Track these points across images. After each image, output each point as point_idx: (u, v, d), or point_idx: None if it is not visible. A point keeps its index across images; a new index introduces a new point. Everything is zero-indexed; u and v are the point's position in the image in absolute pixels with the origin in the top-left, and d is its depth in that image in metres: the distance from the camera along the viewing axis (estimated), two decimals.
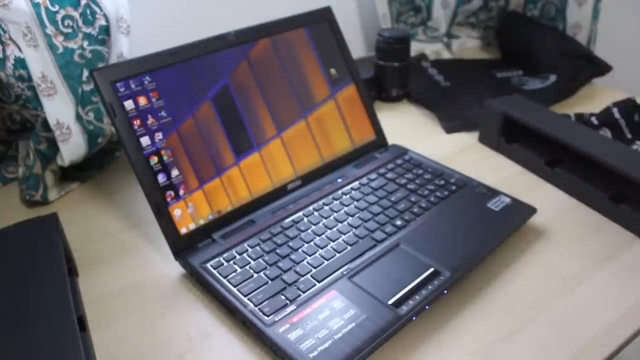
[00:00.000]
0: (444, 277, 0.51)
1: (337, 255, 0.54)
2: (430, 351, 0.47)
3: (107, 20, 0.65)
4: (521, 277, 0.54)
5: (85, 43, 0.64)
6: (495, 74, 1.01)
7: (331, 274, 0.52)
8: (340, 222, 0.59)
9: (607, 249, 0.58)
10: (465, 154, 0.77)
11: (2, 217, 0.65)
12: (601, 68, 0.94)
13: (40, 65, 0.61)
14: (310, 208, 0.61)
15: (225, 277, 0.52)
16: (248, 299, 0.49)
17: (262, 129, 0.63)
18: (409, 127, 0.85)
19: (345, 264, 0.53)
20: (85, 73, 0.65)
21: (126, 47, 0.69)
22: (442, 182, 0.65)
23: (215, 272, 0.52)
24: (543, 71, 0.97)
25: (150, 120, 0.56)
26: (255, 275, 0.52)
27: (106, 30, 0.66)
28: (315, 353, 0.44)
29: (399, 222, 0.59)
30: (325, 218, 0.59)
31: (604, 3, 0.96)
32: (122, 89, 0.54)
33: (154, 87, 0.56)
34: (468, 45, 1.16)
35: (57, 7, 0.61)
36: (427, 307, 0.49)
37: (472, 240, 0.56)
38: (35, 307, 0.44)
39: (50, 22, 0.60)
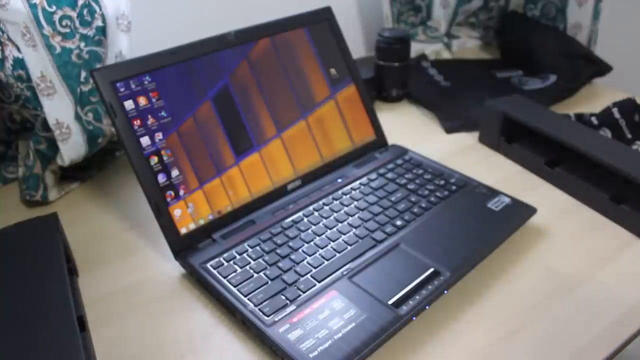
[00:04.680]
0: (444, 277, 0.51)
1: (337, 255, 0.54)
2: (431, 351, 0.47)
3: (104, 20, 0.65)
4: (521, 277, 0.54)
5: (82, 44, 0.64)
6: (495, 74, 1.01)
7: (331, 274, 0.52)
8: (341, 222, 0.59)
9: (607, 249, 0.58)
10: (465, 154, 0.77)
11: (2, 217, 0.65)
12: (601, 68, 0.94)
13: (39, 65, 0.61)
14: (310, 208, 0.61)
15: (225, 277, 0.52)
16: (248, 299, 0.49)
17: (262, 129, 0.63)
18: (409, 127, 0.85)
19: (346, 264, 0.53)
20: (84, 73, 0.65)
21: (126, 45, 0.69)
22: (442, 182, 0.65)
23: (215, 272, 0.52)
24: (543, 71, 0.97)
25: (150, 120, 0.56)
26: (255, 275, 0.52)
27: (102, 31, 0.66)
28: (316, 353, 0.44)
29: (399, 222, 0.59)
30: (325, 218, 0.59)
31: (605, 3, 0.96)
32: (122, 89, 0.54)
33: (154, 87, 0.56)
34: (468, 45, 1.16)
35: (54, 8, 0.61)
36: (427, 307, 0.49)
37: (472, 240, 0.56)
38: (36, 307, 0.44)
39: (48, 22, 0.60)
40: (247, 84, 0.63)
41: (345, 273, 0.52)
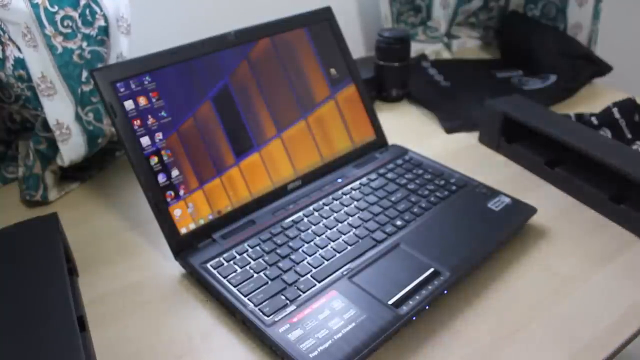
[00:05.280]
0: (444, 277, 0.51)
1: (337, 255, 0.54)
2: (430, 351, 0.47)
3: (106, 20, 0.65)
4: (521, 277, 0.54)
5: (84, 44, 0.64)
6: (495, 74, 1.01)
7: (331, 274, 0.52)
8: (341, 222, 0.59)
9: (607, 249, 0.58)
10: (465, 154, 0.77)
11: (2, 217, 0.65)
12: (601, 68, 0.94)
13: (40, 65, 0.61)
14: (311, 208, 0.61)
15: (225, 277, 0.52)
16: (248, 299, 0.49)
17: (262, 129, 0.63)
18: (409, 127, 0.85)
19: (346, 264, 0.53)
20: (85, 74, 0.65)
21: (126, 47, 0.69)
22: (442, 182, 0.65)
23: (215, 272, 0.52)
24: (543, 71, 0.97)
25: (151, 120, 0.56)
26: (255, 275, 0.52)
27: (105, 31, 0.66)
28: (316, 353, 0.44)
29: (399, 222, 0.59)
30: (326, 218, 0.59)
31: (605, 3, 0.96)
32: (122, 89, 0.54)
33: (154, 87, 0.56)
34: (468, 45, 1.16)
35: (56, 8, 0.61)
36: (427, 307, 0.49)
37: (472, 240, 0.56)
38: (36, 307, 0.44)
39: (49, 22, 0.60)
40: (247, 84, 0.63)
41: (345, 273, 0.52)
